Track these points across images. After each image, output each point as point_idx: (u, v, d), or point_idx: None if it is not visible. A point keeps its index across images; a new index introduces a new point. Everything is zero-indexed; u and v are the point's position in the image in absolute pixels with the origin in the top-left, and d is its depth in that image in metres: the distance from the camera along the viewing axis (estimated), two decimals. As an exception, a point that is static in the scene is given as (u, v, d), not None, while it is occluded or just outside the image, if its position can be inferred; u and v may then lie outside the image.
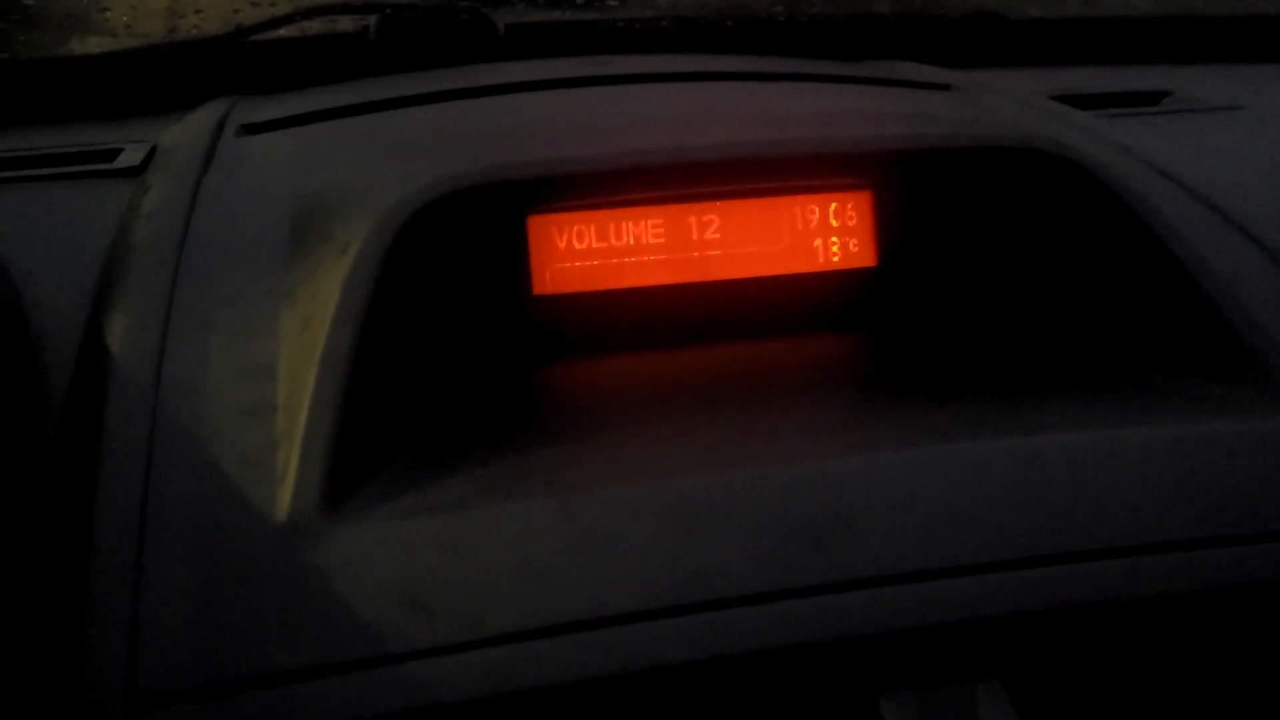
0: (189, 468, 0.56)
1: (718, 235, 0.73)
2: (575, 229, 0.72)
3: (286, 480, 0.55)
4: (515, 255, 0.72)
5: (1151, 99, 1.02)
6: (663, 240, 0.73)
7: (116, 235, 0.74)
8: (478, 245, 0.72)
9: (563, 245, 0.72)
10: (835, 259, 0.75)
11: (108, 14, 1.18)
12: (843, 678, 0.52)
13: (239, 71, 1.06)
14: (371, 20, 1.08)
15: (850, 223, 0.75)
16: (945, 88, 0.97)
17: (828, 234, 0.75)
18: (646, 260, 0.73)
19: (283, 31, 1.10)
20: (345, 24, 1.14)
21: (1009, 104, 0.93)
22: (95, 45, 1.19)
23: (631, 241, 0.73)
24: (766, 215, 0.74)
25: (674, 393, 0.67)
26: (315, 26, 1.12)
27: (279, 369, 0.60)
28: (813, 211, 0.74)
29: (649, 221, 0.73)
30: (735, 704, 0.52)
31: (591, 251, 0.72)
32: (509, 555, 0.53)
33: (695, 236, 0.73)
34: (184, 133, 0.86)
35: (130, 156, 0.86)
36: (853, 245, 0.75)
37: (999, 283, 0.75)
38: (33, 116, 1.01)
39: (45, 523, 0.57)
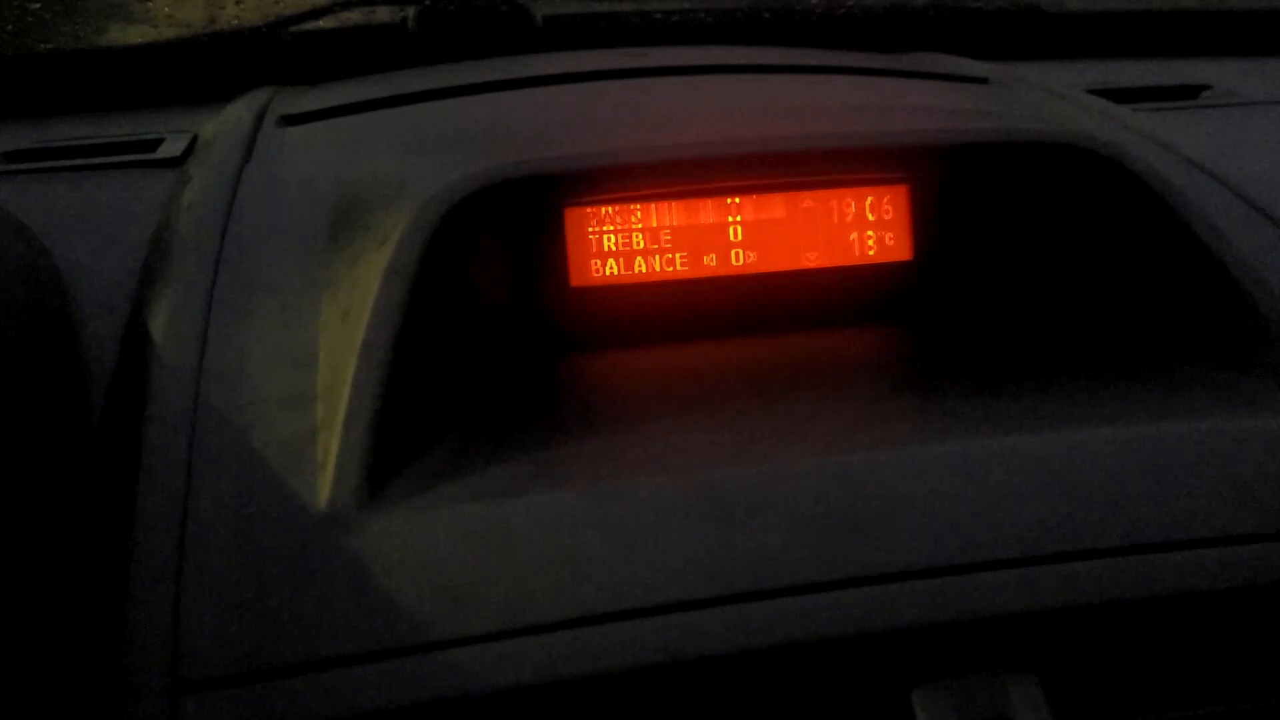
0: (230, 456, 0.57)
1: (754, 228, 0.74)
2: (613, 221, 0.73)
3: (326, 469, 0.56)
4: (553, 247, 0.72)
5: (1190, 92, 1.02)
6: (699, 232, 0.73)
7: (158, 225, 0.74)
8: (516, 237, 0.72)
9: (600, 237, 0.73)
10: (871, 252, 0.75)
11: (149, 5, 1.19)
12: (876, 669, 0.52)
13: (278, 62, 1.06)
14: (410, 11, 1.09)
15: (886, 216, 0.75)
16: (983, 81, 0.97)
17: (864, 227, 0.75)
18: (684, 253, 0.73)
19: (322, 23, 1.11)
20: (384, 15, 1.14)
21: (1046, 98, 0.93)
22: (136, 36, 1.20)
23: (669, 234, 0.73)
24: (803, 208, 0.74)
25: (711, 385, 0.68)
26: (354, 18, 1.13)
27: (319, 358, 0.61)
28: (849, 205, 0.75)
29: (686, 214, 0.73)
30: (769, 695, 0.52)
31: (629, 244, 0.73)
32: (547, 545, 0.53)
33: (732, 229, 0.74)
34: (224, 123, 0.87)
35: (171, 147, 0.87)
36: (889, 239, 0.75)
37: (1034, 276, 0.75)
38: (75, 107, 1.02)
39: (89, 510, 0.58)
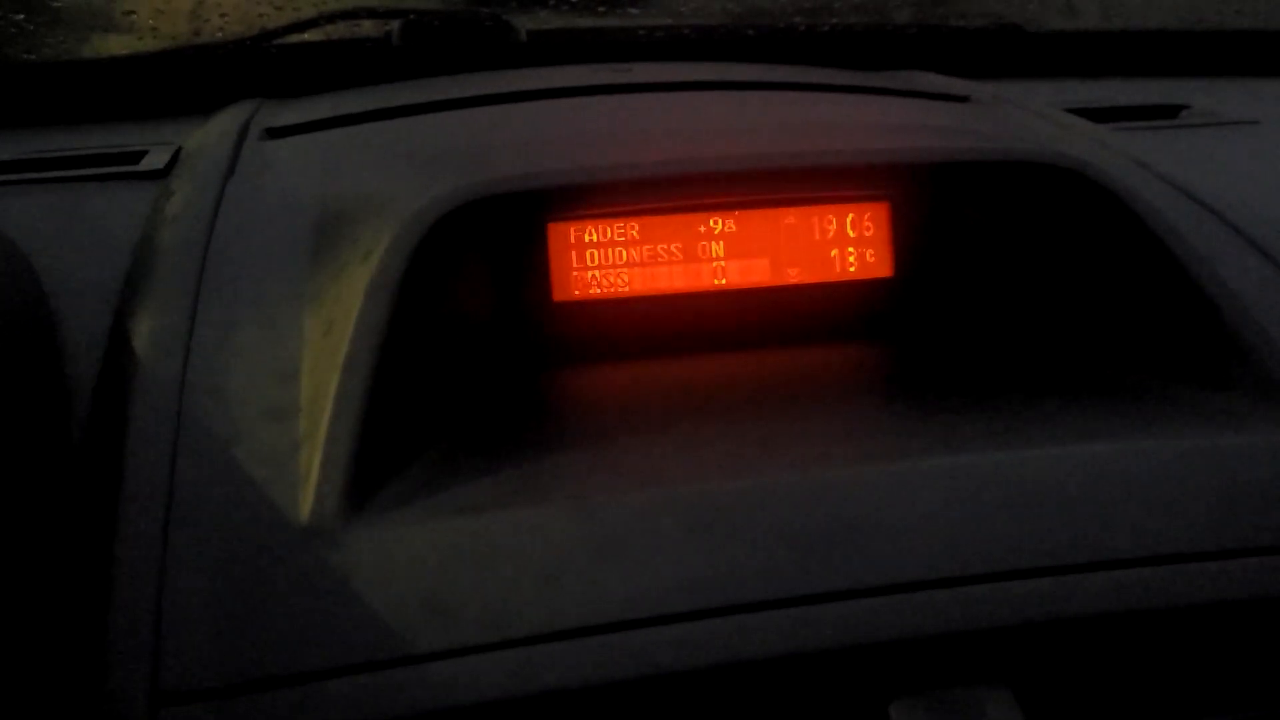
0: (213, 469, 0.57)
1: (736, 244, 0.74)
2: (595, 236, 0.73)
3: (309, 482, 0.56)
4: (536, 261, 0.73)
5: (1169, 112, 1.02)
6: (681, 248, 0.74)
7: (141, 237, 0.74)
8: (499, 251, 0.72)
9: (582, 252, 0.73)
10: (852, 269, 0.76)
11: (133, 16, 1.19)
12: (855, 683, 0.53)
13: (263, 75, 1.06)
14: (395, 25, 1.09)
15: (867, 233, 0.76)
16: (964, 99, 0.98)
17: (845, 244, 0.75)
18: (665, 267, 0.74)
19: (307, 35, 1.11)
20: (368, 29, 1.15)
21: (1026, 117, 0.93)
22: (120, 47, 1.20)
23: (651, 249, 0.73)
24: (784, 225, 0.74)
25: (692, 399, 0.68)
26: (339, 31, 1.14)
27: (302, 372, 0.61)
28: (830, 222, 0.75)
29: (668, 229, 0.74)
30: (749, 708, 0.52)
31: (611, 258, 0.73)
32: (528, 559, 0.53)
33: (714, 245, 0.74)
34: (208, 136, 0.87)
35: (155, 159, 0.87)
36: (870, 256, 0.76)
37: (1014, 293, 0.76)
38: (59, 118, 1.02)
39: (71, 523, 0.58)
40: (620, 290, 0.73)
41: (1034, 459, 0.59)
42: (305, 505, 0.55)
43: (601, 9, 1.23)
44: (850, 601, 0.53)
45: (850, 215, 0.75)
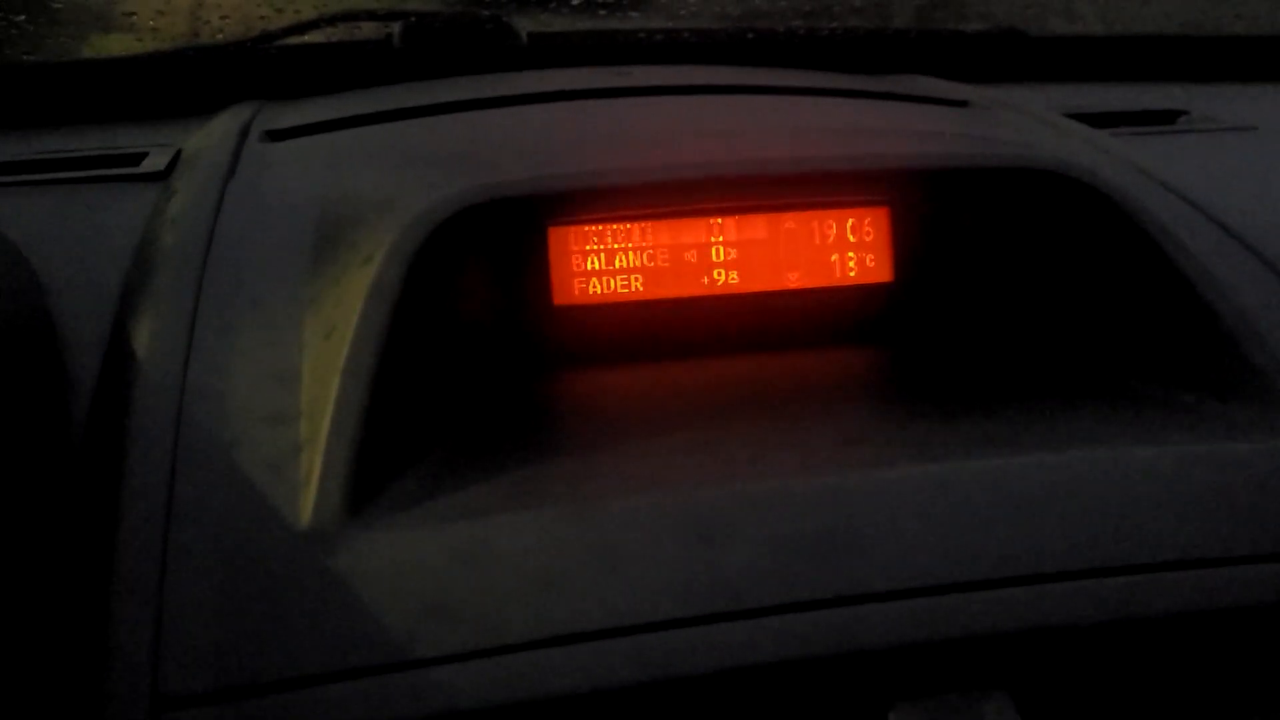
0: (213, 473, 0.57)
1: (736, 248, 0.74)
2: (596, 240, 0.73)
3: (309, 486, 0.56)
4: (536, 265, 0.73)
5: (1167, 118, 1.02)
6: (682, 252, 0.74)
7: (142, 240, 0.74)
8: (500, 255, 0.73)
9: (583, 256, 0.73)
10: (852, 274, 0.76)
11: (133, 17, 1.19)
12: (853, 689, 0.53)
13: (263, 76, 1.06)
14: (395, 27, 1.09)
15: (867, 238, 0.76)
16: (963, 104, 0.98)
17: (845, 249, 0.75)
18: (665, 272, 0.74)
19: (307, 37, 1.11)
20: (369, 30, 1.15)
21: (1026, 122, 0.93)
22: (120, 48, 1.20)
23: (651, 253, 0.74)
24: (785, 229, 0.75)
25: (692, 404, 0.68)
26: (339, 32, 1.13)
27: (302, 376, 0.61)
28: (830, 226, 0.75)
29: (668, 233, 0.74)
30: (747, 714, 0.52)
31: (611, 263, 0.73)
32: (527, 563, 0.53)
33: (714, 249, 0.74)
34: (209, 138, 0.87)
35: (155, 161, 0.86)
36: (870, 260, 0.76)
37: (1014, 299, 0.76)
38: (59, 119, 1.01)
39: (71, 527, 0.58)
40: (621, 294, 0.73)
41: (1033, 465, 0.59)
42: (305, 509, 0.55)
43: (602, 12, 1.23)
44: (849, 608, 0.53)
45: (850, 220, 0.75)
